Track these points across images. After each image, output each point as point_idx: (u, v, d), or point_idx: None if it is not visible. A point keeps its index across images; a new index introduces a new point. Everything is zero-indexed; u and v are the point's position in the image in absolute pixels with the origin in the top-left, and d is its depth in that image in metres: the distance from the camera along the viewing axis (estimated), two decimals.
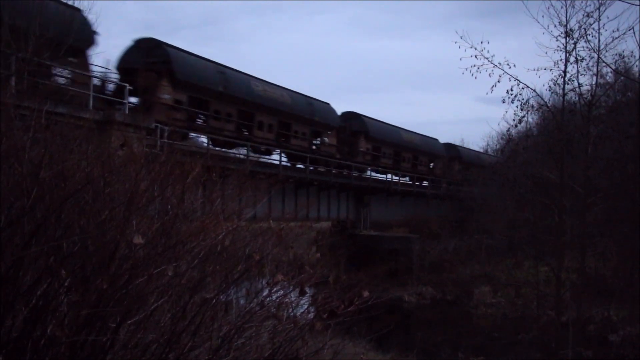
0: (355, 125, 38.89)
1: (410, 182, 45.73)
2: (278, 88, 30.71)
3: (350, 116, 39.42)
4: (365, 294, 5.31)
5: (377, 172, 40.61)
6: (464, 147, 57.69)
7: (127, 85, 18.53)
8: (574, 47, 19.92)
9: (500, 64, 19.47)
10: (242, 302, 5.66)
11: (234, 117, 26.50)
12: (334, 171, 33.66)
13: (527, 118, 23.73)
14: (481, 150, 60.42)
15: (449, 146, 53.63)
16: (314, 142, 34.35)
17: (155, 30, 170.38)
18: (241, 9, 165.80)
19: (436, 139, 51.24)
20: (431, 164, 49.54)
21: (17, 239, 4.12)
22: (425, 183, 46.83)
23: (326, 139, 35.19)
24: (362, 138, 38.68)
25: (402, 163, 44.11)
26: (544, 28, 19.92)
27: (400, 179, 44.10)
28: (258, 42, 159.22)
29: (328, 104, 36.00)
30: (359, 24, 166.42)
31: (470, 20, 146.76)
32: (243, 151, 26.71)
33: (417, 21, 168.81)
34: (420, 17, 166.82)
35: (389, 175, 41.89)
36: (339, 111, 37.85)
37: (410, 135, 45.62)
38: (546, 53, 21.05)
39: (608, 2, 19.05)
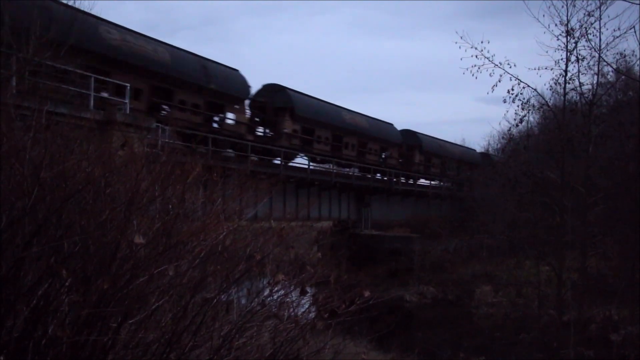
0: (278, 100, 31.74)
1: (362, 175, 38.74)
2: (150, 41, 23.65)
3: (272, 89, 32.48)
4: (366, 293, 5.31)
5: (313, 160, 34.86)
6: (427, 135, 49.22)
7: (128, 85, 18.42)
8: (575, 46, 19.95)
9: (500, 63, 19.53)
10: (243, 301, 5.66)
11: (74, 74, 18.35)
12: (254, 158, 27.69)
13: (528, 117, 23.78)
14: (450, 140, 55.82)
15: (408, 133, 46.13)
16: (214, 117, 27.69)
17: (155, 31, 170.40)
18: (241, 9, 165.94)
19: (391, 124, 44.37)
20: (384, 154, 42.93)
21: (18, 240, 4.12)
22: (378, 175, 40.97)
23: (231, 115, 28.09)
24: (287, 116, 31.72)
25: (343, 150, 36.97)
26: (545, 27, 19.98)
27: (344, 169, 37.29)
28: (258, 42, 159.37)
29: (236, 70, 29.12)
30: (359, 24, 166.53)
31: (470, 20, 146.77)
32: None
33: (417, 21, 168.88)
34: (420, 17, 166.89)
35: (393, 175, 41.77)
36: None
37: (355, 116, 38.66)
38: (547, 52, 21.24)
39: (609, 1, 19.10)
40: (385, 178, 40.50)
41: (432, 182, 48.81)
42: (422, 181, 47.86)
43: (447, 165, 48.39)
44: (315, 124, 34.11)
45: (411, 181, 45.68)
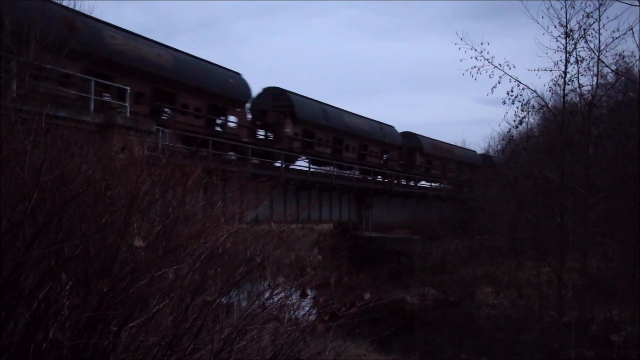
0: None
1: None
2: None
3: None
4: (367, 295, 5.30)
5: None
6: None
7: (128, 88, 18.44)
8: (574, 48, 19.95)
9: (500, 65, 19.51)
10: (243, 304, 5.67)
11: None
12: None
13: (528, 119, 23.80)
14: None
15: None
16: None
17: (154, 34, 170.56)
18: (239, 12, 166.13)
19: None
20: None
21: (18, 243, 4.12)
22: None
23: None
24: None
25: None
26: (544, 29, 19.98)
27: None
28: (257, 44, 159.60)
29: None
30: (357, 26, 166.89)
31: (468, 21, 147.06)
32: None
33: (414, 23, 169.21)
34: (418, 18, 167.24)
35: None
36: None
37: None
38: (546, 54, 21.28)
39: (608, 2, 19.08)
40: (386, 180, 41.01)
41: (433, 184, 49.77)
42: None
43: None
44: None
45: (412, 183, 46.05)
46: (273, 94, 30.94)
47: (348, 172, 36.74)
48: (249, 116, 28.94)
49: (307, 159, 32.32)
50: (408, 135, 45.48)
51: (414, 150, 45.13)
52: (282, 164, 28.27)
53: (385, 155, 41.55)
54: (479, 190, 41.38)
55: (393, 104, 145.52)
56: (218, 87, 25.46)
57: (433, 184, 47.98)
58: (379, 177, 39.27)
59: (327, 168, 35.37)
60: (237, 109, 27.30)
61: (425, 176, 46.52)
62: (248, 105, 28.79)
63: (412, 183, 45.06)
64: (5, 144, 4.72)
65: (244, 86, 27.88)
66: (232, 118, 27.06)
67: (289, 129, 29.86)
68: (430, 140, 47.63)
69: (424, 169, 46.34)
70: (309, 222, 28.77)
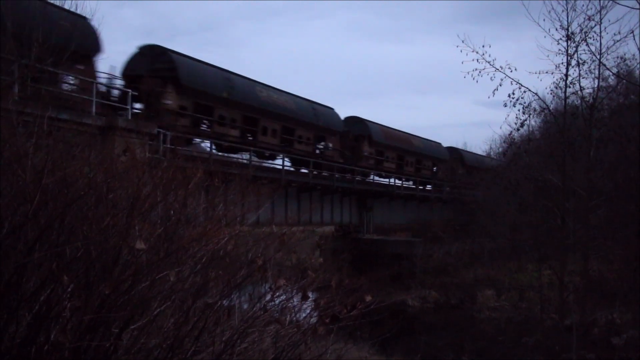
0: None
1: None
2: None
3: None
4: (368, 298, 5.31)
5: None
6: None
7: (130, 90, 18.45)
8: (576, 51, 20.02)
9: (501, 67, 19.57)
10: (244, 306, 5.66)
11: None
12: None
13: (529, 121, 23.82)
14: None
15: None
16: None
17: (154, 36, 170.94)
18: (239, 14, 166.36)
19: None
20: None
21: (20, 245, 4.13)
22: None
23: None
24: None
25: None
26: (545, 31, 20.09)
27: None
28: (257, 46, 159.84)
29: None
30: (357, 28, 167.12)
31: (469, 23, 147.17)
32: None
33: (414, 25, 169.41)
34: (418, 20, 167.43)
35: (392, 179, 41.64)
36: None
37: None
38: (547, 56, 21.50)
39: (609, 5, 19.13)
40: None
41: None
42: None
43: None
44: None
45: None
46: (151, 54, 23.36)
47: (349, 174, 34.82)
48: (120, 82, 21.92)
49: (203, 141, 25.04)
50: (354, 121, 38.41)
51: (360, 138, 37.53)
52: (282, 164, 28.26)
53: (322, 143, 34.20)
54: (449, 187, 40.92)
55: (394, 107, 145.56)
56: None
57: (385, 180, 40.89)
58: (315, 171, 31.19)
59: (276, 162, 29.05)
60: (79, 66, 18.70)
61: (376, 169, 39.41)
62: (118, 67, 22.10)
63: (390, 179, 39.91)
64: (7, 146, 4.74)
65: (86, 32, 18.67)
66: (69, 79, 18.80)
67: (170, 100, 22.46)
68: (382, 127, 40.81)
69: (374, 161, 39.11)
70: (310, 225, 28.81)
